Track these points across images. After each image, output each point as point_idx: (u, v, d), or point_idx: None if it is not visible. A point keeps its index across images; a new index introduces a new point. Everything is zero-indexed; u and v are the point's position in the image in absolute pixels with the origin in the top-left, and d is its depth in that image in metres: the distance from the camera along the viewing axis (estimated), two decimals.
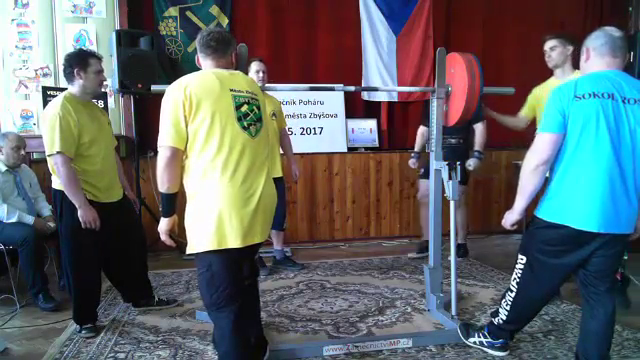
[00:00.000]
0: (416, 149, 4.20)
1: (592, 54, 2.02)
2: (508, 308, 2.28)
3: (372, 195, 4.99)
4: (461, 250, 4.15)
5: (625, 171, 1.92)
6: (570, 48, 3.04)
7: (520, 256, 2.19)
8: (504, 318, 2.32)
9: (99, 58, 2.76)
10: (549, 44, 3.09)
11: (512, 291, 2.25)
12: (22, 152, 3.33)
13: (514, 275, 2.22)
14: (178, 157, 1.96)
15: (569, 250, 2.03)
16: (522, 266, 2.17)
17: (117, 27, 4.36)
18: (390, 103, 5.15)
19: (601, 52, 1.99)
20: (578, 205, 1.95)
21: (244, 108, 2.03)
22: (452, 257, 2.77)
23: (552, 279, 2.15)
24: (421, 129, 4.18)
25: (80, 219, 2.60)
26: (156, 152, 4.41)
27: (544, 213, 2.06)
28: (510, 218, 2.16)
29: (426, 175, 3.76)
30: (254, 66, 3.58)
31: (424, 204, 3.99)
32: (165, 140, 1.93)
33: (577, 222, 1.95)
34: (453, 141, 3.97)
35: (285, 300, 3.27)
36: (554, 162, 2.00)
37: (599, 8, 5.53)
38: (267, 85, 3.21)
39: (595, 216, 1.93)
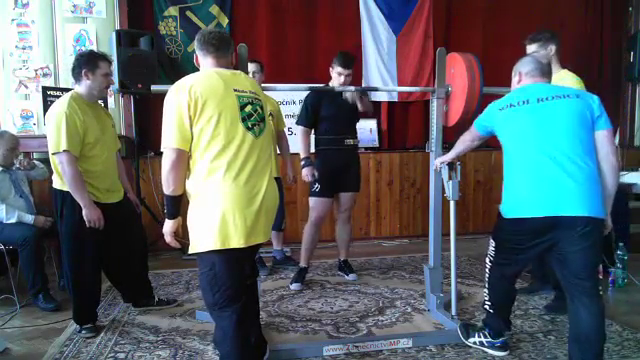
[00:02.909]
0: (305, 155, 3.41)
1: (524, 78, 2.31)
2: (487, 286, 2.44)
3: (372, 195, 4.99)
4: (348, 266, 3.75)
5: (554, 155, 2.06)
6: (552, 48, 2.98)
7: (491, 241, 2.40)
8: (486, 298, 2.45)
9: (109, 61, 2.79)
10: (529, 49, 3.03)
11: (487, 270, 2.43)
12: (17, 152, 3.33)
13: (487, 257, 2.42)
14: (184, 159, 1.95)
15: (528, 237, 2.18)
16: (493, 249, 2.38)
17: (117, 27, 4.37)
18: (390, 103, 5.15)
19: (532, 75, 2.29)
20: (519, 197, 2.17)
21: (248, 108, 2.03)
22: (452, 257, 2.77)
23: (517, 261, 2.31)
24: (303, 130, 3.46)
25: (85, 218, 2.61)
26: (156, 152, 4.40)
27: (502, 209, 2.29)
28: (439, 160, 2.79)
29: (325, 192, 3.45)
30: (252, 67, 3.59)
31: (317, 226, 3.53)
32: (170, 142, 1.92)
33: (521, 212, 2.14)
34: (351, 142, 3.51)
35: (285, 300, 3.27)
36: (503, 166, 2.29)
37: (599, 8, 5.54)
38: (266, 85, 3.20)
39: (533, 202, 2.10)
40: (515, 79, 2.37)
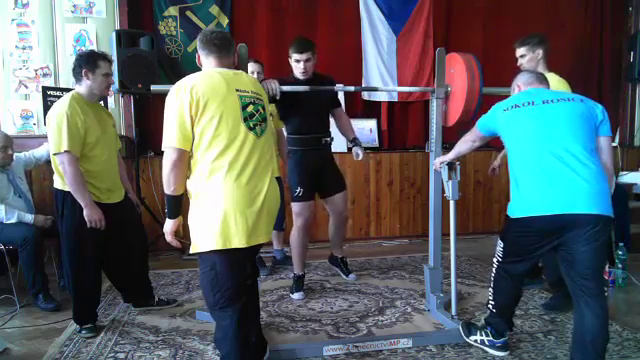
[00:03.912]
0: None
1: (523, 87, 2.40)
2: (492, 286, 2.44)
3: (372, 195, 4.99)
4: (346, 265, 3.69)
5: (561, 154, 2.08)
6: (539, 52, 3.08)
7: (499, 242, 2.40)
8: (490, 298, 2.44)
9: (110, 61, 2.79)
10: (518, 52, 3.13)
11: (493, 270, 2.43)
12: (9, 151, 3.32)
13: (495, 257, 2.42)
14: (184, 159, 1.96)
15: (539, 236, 2.18)
16: (501, 249, 2.38)
17: (117, 27, 4.36)
18: (390, 103, 5.15)
19: (530, 82, 2.39)
20: (530, 196, 2.15)
21: (250, 108, 2.03)
22: (452, 257, 2.77)
23: (526, 260, 2.32)
24: None
25: (86, 218, 2.61)
26: (156, 152, 4.40)
27: (511, 209, 2.27)
28: (439, 159, 2.78)
29: (308, 196, 3.24)
30: (249, 67, 3.57)
31: (305, 230, 3.30)
32: (171, 142, 1.93)
33: (532, 211, 2.13)
34: (329, 139, 3.30)
35: (285, 300, 3.27)
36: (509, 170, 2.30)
37: (599, 8, 5.53)
38: None
39: (544, 201, 2.09)
40: (516, 90, 2.43)
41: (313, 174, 3.26)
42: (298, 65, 3.09)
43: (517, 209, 2.22)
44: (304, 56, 3.05)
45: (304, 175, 3.24)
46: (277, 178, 2.14)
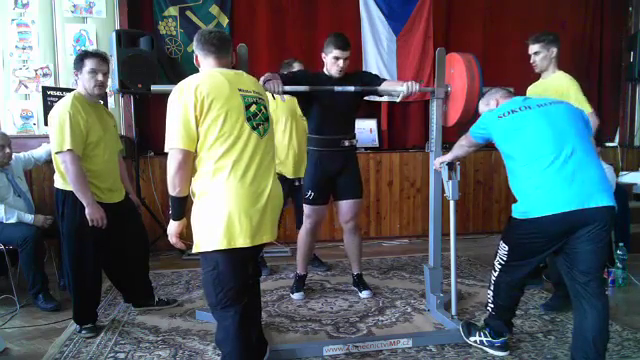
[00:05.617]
0: None
1: (501, 100, 2.49)
2: (492, 289, 2.42)
3: (372, 195, 4.99)
4: (362, 282, 3.37)
5: (575, 150, 2.12)
6: (554, 50, 3.06)
7: (502, 244, 2.37)
8: (490, 300, 2.43)
9: (101, 57, 2.71)
10: (532, 49, 3.11)
11: (495, 271, 2.41)
12: (7, 150, 3.31)
13: (497, 259, 2.40)
14: (190, 159, 1.95)
15: (553, 235, 2.16)
16: (506, 253, 2.35)
17: (117, 27, 4.36)
18: (390, 103, 5.14)
19: (506, 97, 2.50)
20: (547, 194, 2.12)
21: (253, 108, 2.03)
22: (452, 257, 2.77)
23: (531, 263, 2.30)
24: None
25: (88, 217, 2.61)
26: (156, 152, 4.39)
27: (524, 210, 2.22)
28: (439, 159, 2.80)
29: (319, 199, 3.16)
30: (296, 67, 3.53)
31: (313, 234, 3.29)
32: (176, 142, 1.91)
33: (551, 209, 2.09)
34: (349, 143, 3.13)
35: (285, 300, 3.27)
36: (509, 175, 2.33)
37: (599, 8, 5.53)
38: None
39: (563, 197, 2.07)
40: (492, 104, 2.50)
41: (328, 177, 3.14)
42: (336, 62, 2.95)
43: (531, 209, 2.16)
44: (346, 54, 2.93)
45: (318, 178, 3.13)
46: (280, 178, 2.14)
